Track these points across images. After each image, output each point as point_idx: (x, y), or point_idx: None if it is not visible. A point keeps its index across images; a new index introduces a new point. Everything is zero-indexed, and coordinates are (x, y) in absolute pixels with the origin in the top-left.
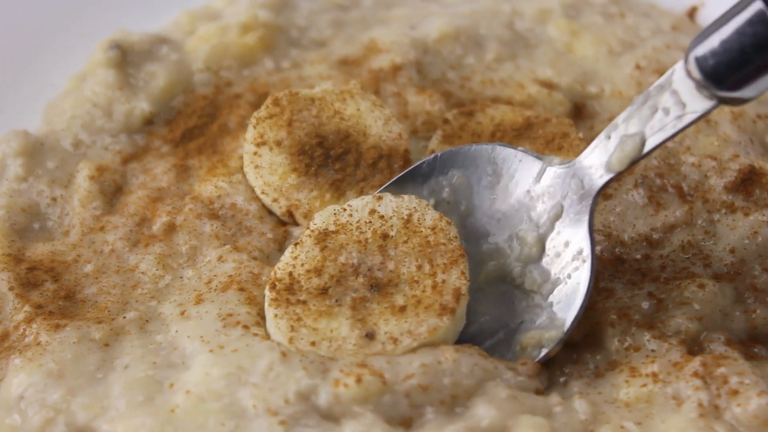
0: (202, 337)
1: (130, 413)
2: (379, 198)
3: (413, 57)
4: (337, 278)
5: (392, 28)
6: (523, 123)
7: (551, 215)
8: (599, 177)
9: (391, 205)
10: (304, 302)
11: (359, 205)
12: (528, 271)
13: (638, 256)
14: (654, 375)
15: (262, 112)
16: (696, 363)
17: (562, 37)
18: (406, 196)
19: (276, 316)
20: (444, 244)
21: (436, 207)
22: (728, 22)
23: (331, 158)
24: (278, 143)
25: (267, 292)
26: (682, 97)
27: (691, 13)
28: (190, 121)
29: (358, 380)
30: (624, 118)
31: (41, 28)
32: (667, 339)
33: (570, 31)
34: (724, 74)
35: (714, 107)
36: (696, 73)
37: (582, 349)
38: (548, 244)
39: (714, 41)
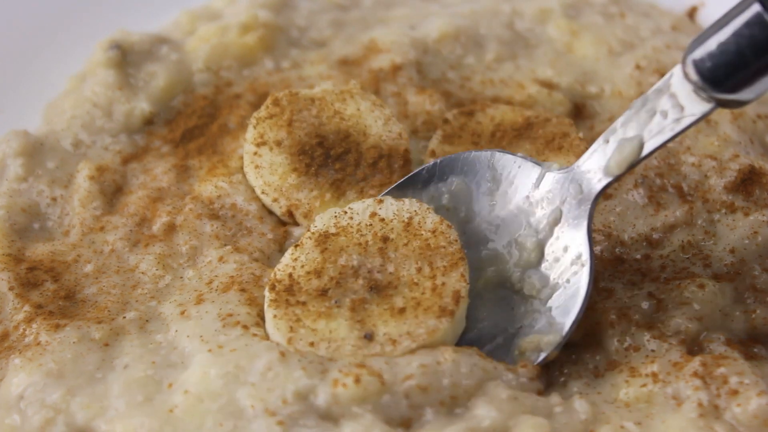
0: (201, 336)
1: (129, 413)
2: (380, 201)
3: (413, 57)
4: (336, 280)
5: (392, 28)
6: (523, 123)
7: (550, 220)
8: (597, 181)
9: (392, 208)
10: (304, 303)
11: (360, 208)
12: (527, 276)
13: (638, 256)
14: (654, 375)
15: (262, 112)
16: (696, 363)
17: (562, 37)
18: (407, 200)
19: (275, 316)
20: (444, 247)
21: (435, 213)
22: (726, 24)
23: (331, 158)
24: (278, 143)
25: (267, 293)
26: (680, 100)
27: (691, 13)
28: (190, 121)
29: (357, 380)
30: (622, 122)
31: (41, 28)
32: (666, 339)
33: (570, 31)
34: (721, 76)
35: (712, 110)
36: (693, 76)
37: (582, 350)
38: (547, 249)
39: (711, 44)
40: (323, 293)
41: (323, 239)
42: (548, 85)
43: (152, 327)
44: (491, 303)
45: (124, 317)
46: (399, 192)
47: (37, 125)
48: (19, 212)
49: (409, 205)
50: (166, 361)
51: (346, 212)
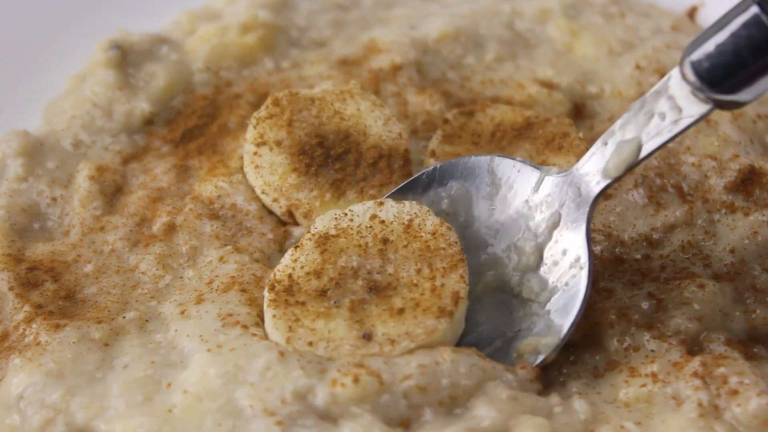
0: (201, 336)
1: (129, 413)
2: (381, 203)
3: (413, 57)
4: (336, 281)
5: (392, 28)
6: (523, 123)
7: (549, 224)
8: (596, 184)
9: (392, 210)
10: (303, 303)
11: (360, 210)
12: (526, 280)
13: (638, 256)
14: (654, 375)
15: (262, 112)
16: (696, 363)
17: (562, 37)
18: (407, 202)
19: (274, 316)
20: (444, 249)
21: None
22: (724, 26)
23: (331, 158)
24: (278, 143)
25: (266, 293)
26: (678, 102)
27: (691, 13)
28: (190, 121)
29: (356, 380)
30: (621, 124)
31: (41, 28)
32: (666, 339)
33: (570, 31)
34: (719, 77)
35: (710, 111)
36: (691, 77)
37: (581, 350)
38: (546, 253)
39: (709, 45)
40: (322, 294)
41: (323, 240)
42: (548, 85)
43: (152, 327)
44: (490, 307)
45: (124, 317)
46: (399, 196)
47: (37, 125)
48: (19, 212)
49: (409, 208)
50: (165, 360)
51: (346, 214)
